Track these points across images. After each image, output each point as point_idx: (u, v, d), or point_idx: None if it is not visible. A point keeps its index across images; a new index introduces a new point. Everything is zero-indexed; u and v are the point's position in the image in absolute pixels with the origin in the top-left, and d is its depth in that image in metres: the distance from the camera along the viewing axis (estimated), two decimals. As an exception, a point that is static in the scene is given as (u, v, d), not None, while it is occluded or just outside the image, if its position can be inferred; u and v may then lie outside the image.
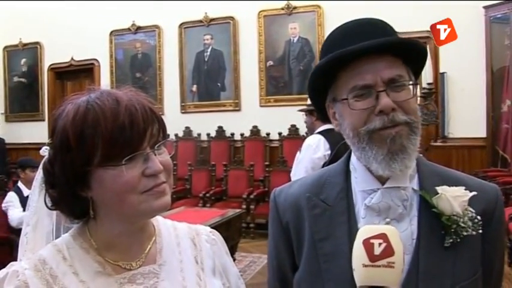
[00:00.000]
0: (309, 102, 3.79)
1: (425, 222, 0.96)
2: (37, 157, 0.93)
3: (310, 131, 3.69)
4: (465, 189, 0.96)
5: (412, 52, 0.99)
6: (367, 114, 0.94)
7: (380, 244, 0.81)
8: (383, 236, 0.81)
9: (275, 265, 1.12)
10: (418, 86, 1.02)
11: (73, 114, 0.82)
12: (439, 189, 0.96)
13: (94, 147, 0.79)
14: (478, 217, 0.94)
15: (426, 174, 1.01)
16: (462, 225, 0.93)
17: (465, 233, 0.93)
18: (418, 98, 1.02)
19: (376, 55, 0.94)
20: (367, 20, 1.02)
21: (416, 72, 1.03)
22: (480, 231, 0.94)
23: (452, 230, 0.93)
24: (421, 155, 1.02)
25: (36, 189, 0.93)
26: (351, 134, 0.98)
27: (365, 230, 0.84)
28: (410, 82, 0.97)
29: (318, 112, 4.03)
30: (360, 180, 1.01)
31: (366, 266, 0.80)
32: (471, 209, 0.95)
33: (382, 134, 0.93)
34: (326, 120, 4.16)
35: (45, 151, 0.90)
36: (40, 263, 0.84)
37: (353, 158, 1.04)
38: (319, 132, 3.51)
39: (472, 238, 0.94)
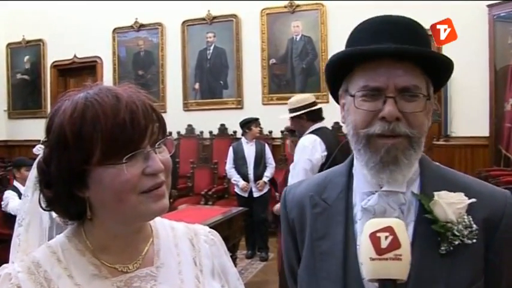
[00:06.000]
0: (290, 107, 3.58)
1: (421, 227, 0.94)
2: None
3: (301, 133, 3.59)
4: (465, 195, 0.93)
5: (435, 64, 0.95)
6: (371, 116, 0.92)
7: (386, 237, 0.80)
8: (389, 229, 0.81)
9: (286, 262, 1.13)
10: (433, 102, 0.97)
11: (70, 111, 0.79)
12: (435, 194, 0.94)
13: (93, 145, 0.77)
14: (474, 226, 0.91)
15: (429, 178, 0.98)
16: (456, 233, 0.90)
17: (457, 242, 0.90)
18: (431, 113, 0.95)
19: (396, 60, 0.91)
20: (402, 21, 0.97)
21: (438, 85, 0.99)
22: (475, 240, 0.90)
23: (447, 238, 0.91)
24: (425, 155, 1.00)
25: (29, 189, 0.91)
26: (351, 132, 0.97)
27: (371, 224, 0.84)
28: (425, 95, 0.93)
29: (309, 113, 3.87)
30: (359, 181, 1.01)
31: (373, 259, 0.80)
32: (467, 217, 0.91)
33: (379, 142, 0.92)
34: (315, 119, 4.10)
35: (39, 150, 0.87)
36: (34, 265, 0.82)
37: (355, 160, 1.03)
38: (313, 132, 3.44)
39: (472, 247, 0.91)
